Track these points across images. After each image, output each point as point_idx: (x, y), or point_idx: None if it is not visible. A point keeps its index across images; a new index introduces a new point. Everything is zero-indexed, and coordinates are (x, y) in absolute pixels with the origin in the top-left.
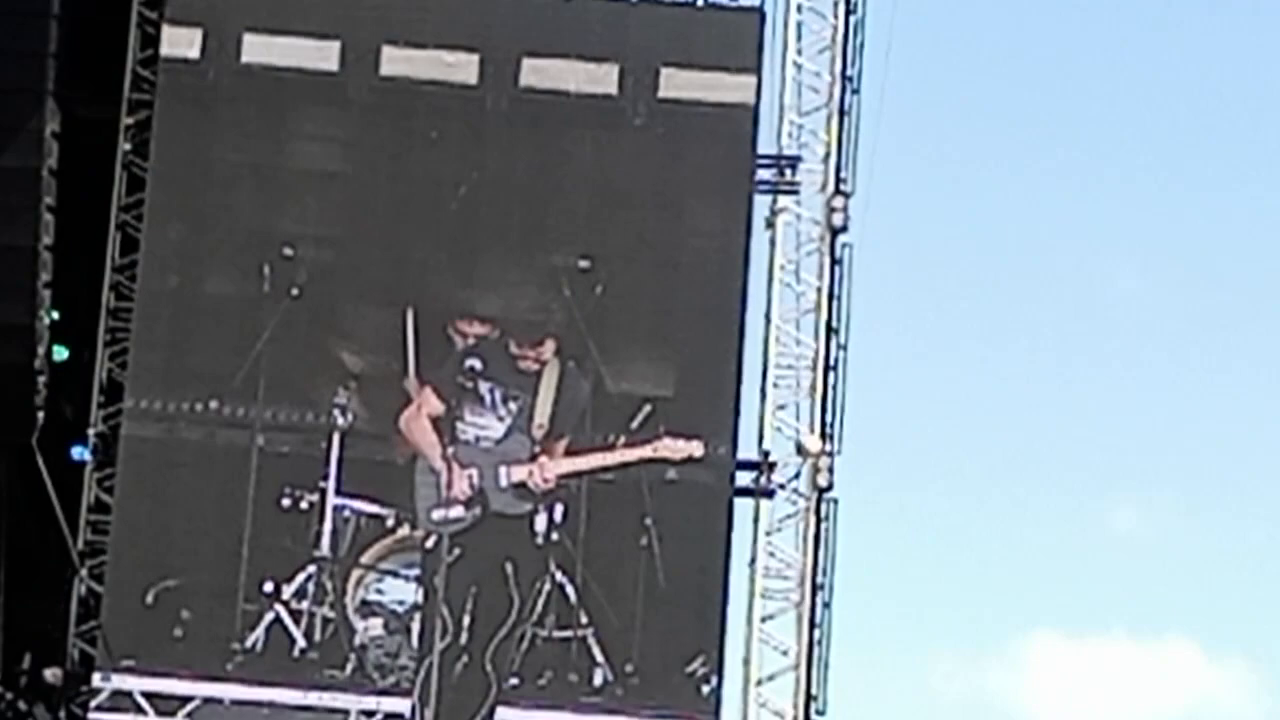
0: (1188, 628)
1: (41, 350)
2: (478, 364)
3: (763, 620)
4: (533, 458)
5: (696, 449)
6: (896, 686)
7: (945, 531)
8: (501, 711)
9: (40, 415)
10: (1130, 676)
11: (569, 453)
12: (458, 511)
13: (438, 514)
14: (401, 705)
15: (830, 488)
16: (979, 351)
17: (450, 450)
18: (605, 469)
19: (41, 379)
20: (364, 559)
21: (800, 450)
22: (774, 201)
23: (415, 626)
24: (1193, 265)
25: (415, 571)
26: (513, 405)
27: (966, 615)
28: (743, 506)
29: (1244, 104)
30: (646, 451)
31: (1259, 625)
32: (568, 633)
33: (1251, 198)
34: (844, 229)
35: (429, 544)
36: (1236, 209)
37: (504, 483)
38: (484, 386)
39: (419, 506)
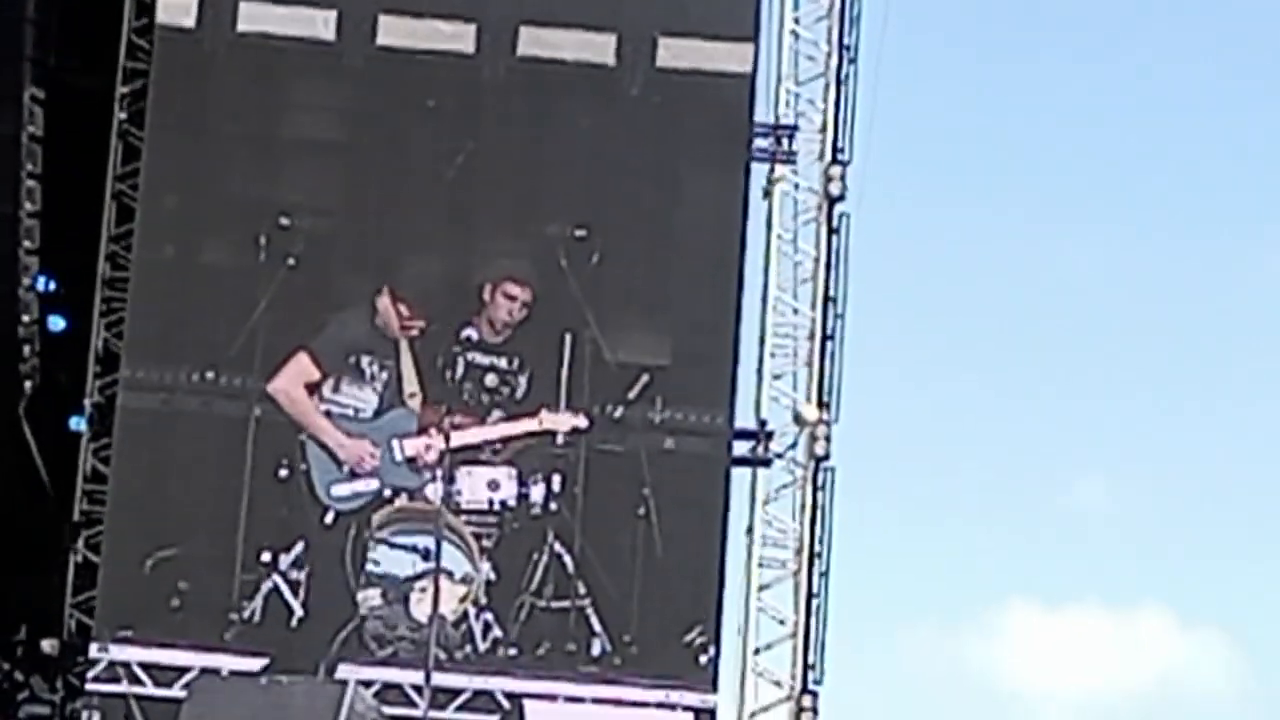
0: (1162, 598)
1: (28, 319)
2: (474, 334)
3: (760, 589)
4: (421, 431)
5: (581, 421)
6: (878, 656)
7: (926, 502)
8: (498, 681)
9: (28, 385)
10: (1106, 645)
11: (455, 426)
12: (358, 486)
13: (338, 489)
14: (399, 676)
15: (827, 457)
16: (974, 320)
17: (337, 422)
18: (490, 442)
19: (28, 348)
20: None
21: (797, 419)
22: (771, 170)
23: (414, 597)
24: (1157, 245)
25: (412, 541)
26: (385, 375)
27: (942, 585)
28: (740, 476)
29: (1223, 96)
30: (532, 424)
31: (1233, 595)
32: (565, 603)
33: (1217, 178)
34: (841, 198)
35: (327, 519)
36: (1207, 193)
37: (398, 457)
38: (364, 359)
39: (316, 481)
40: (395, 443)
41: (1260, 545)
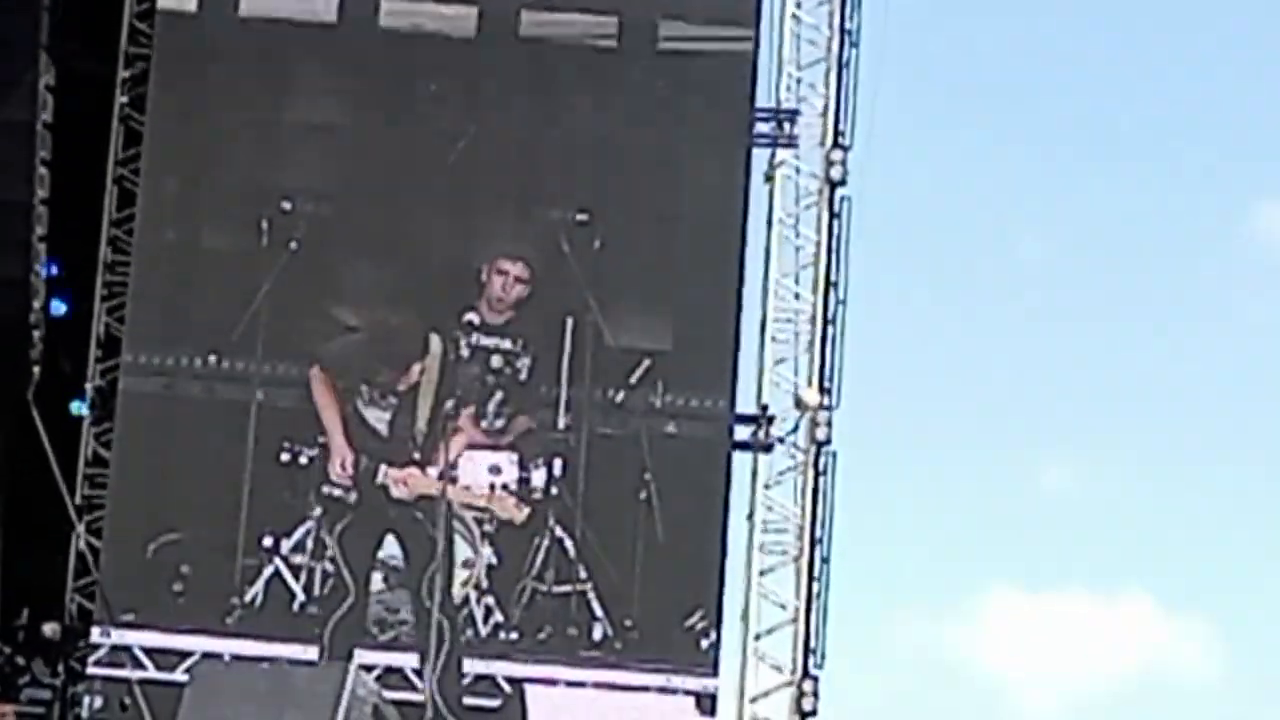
0: (1144, 584)
1: (37, 304)
2: (476, 318)
3: (761, 574)
4: (409, 463)
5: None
6: (862, 642)
7: (905, 487)
8: (500, 665)
9: (36, 370)
10: (1088, 631)
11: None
12: (337, 493)
13: (324, 489)
14: (401, 660)
15: (828, 441)
16: (978, 304)
17: (348, 427)
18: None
19: (37, 333)
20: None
21: (798, 404)
22: (772, 155)
23: (414, 582)
24: (1106, 231)
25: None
26: (393, 399)
27: (923, 570)
28: (741, 460)
29: (1209, 85)
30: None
31: (1214, 581)
32: (567, 587)
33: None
34: (843, 182)
35: (317, 510)
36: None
37: (379, 480)
38: (366, 389)
39: (315, 473)
40: (383, 467)
41: (1240, 531)
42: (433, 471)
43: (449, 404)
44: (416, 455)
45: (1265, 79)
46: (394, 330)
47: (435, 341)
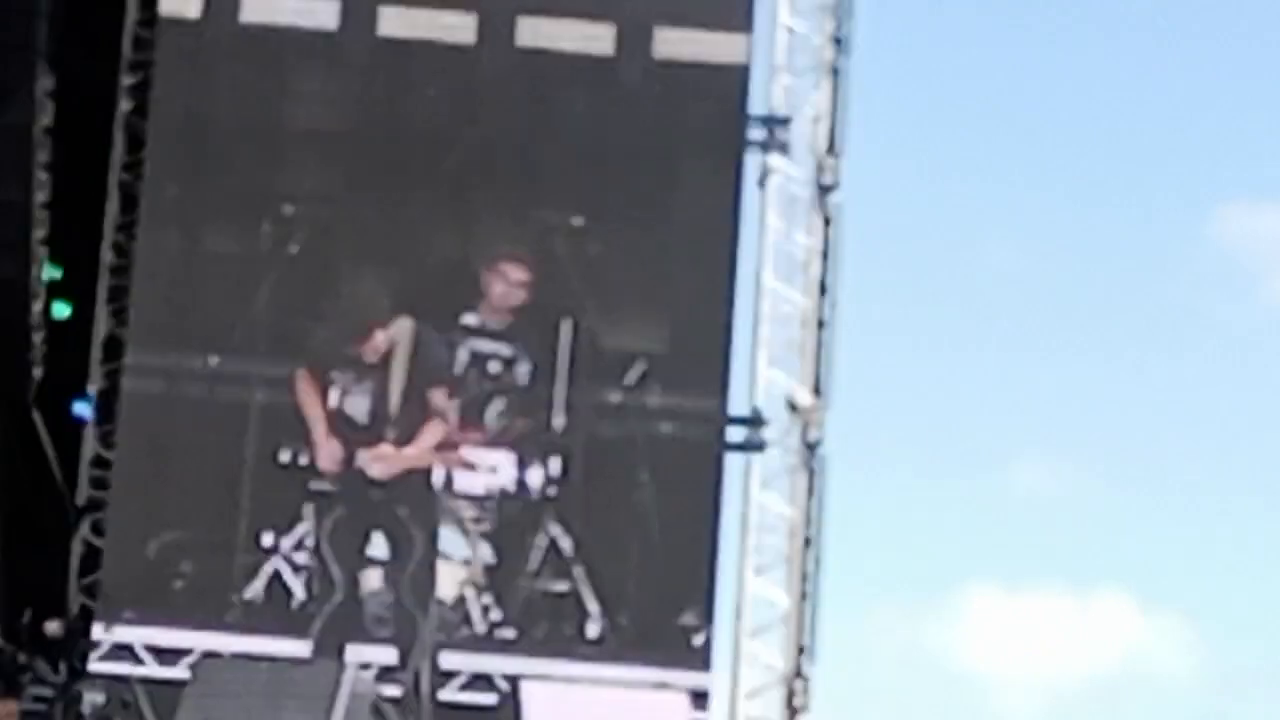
0: (1121, 581)
1: (37, 306)
2: (474, 321)
3: (754, 574)
4: (380, 440)
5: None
6: (841, 640)
7: (882, 484)
8: (496, 662)
9: (37, 371)
10: (1066, 628)
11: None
12: (325, 485)
13: (313, 484)
14: (392, 656)
15: (820, 442)
16: (958, 307)
17: (332, 421)
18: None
19: (38, 335)
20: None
21: (791, 406)
22: (765, 160)
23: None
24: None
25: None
26: (368, 383)
27: (900, 567)
28: (735, 461)
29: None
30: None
31: (1191, 578)
32: (563, 586)
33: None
34: (835, 188)
35: (317, 505)
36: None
37: (358, 463)
38: (338, 374)
39: (307, 471)
40: (362, 452)
41: (1215, 529)
42: (410, 450)
43: (426, 389)
44: (392, 434)
45: (1228, 83)
46: (356, 300)
47: (406, 321)
